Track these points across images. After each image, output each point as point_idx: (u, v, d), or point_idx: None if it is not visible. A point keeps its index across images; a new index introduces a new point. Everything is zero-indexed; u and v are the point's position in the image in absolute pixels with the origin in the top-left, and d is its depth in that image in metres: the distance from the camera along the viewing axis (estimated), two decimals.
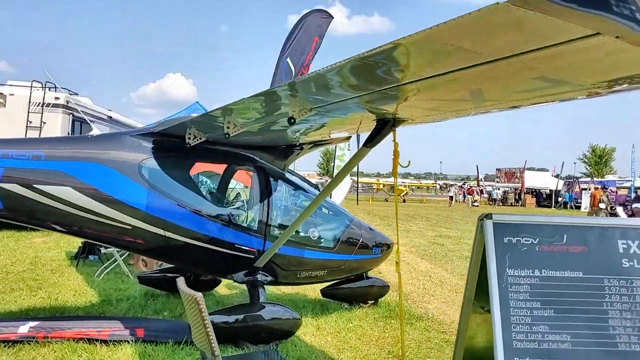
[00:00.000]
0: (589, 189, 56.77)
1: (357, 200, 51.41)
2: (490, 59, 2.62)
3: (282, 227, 7.33)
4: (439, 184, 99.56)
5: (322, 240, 7.59)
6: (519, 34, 2.28)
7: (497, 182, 75.48)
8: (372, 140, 4.99)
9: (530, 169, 70.64)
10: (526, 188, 66.11)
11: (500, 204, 63.13)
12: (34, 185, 6.22)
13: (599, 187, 44.57)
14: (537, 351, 3.04)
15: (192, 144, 6.68)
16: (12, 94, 17.34)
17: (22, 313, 7.64)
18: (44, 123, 17.13)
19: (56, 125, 17.39)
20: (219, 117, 5.57)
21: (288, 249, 7.05)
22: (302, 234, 7.36)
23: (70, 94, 18.49)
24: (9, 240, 15.12)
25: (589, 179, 60.88)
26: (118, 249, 10.47)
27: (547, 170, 78.52)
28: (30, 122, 17.07)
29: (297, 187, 7.90)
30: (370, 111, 4.60)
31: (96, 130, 7.30)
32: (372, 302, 8.75)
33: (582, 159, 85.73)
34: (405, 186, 73.97)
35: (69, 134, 17.84)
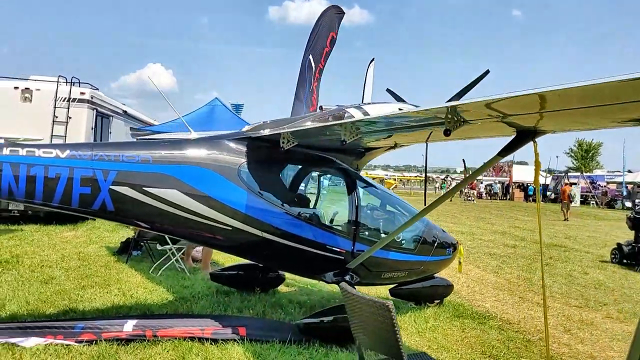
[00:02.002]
0: (579, 184, 57.98)
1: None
2: None
3: (370, 228, 7.60)
4: (433, 177, 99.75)
5: (404, 242, 7.86)
6: None
7: (485, 175, 76.05)
8: (508, 150, 5.23)
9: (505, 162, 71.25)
10: (514, 182, 66.74)
11: (491, 197, 63.67)
12: (144, 188, 6.41)
13: (569, 183, 46.00)
14: None
15: (285, 148, 6.87)
16: (39, 89, 17.36)
17: (113, 311, 7.82)
18: (70, 118, 17.19)
19: (82, 120, 17.48)
20: (344, 126, 5.80)
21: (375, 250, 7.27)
22: (384, 235, 7.62)
23: (92, 89, 18.49)
24: (40, 234, 15.17)
25: (578, 174, 61.72)
26: (175, 246, 10.70)
27: (527, 164, 79.21)
28: (57, 117, 17.13)
29: (378, 188, 8.17)
30: (511, 125, 4.85)
31: (194, 134, 7.46)
32: (438, 301, 9.03)
33: (568, 153, 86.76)
34: (394, 179, 74.45)
35: (92, 129, 17.93)
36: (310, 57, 15.27)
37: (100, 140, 18.49)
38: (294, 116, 14.84)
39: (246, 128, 7.70)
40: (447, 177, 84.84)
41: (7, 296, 8.19)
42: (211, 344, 6.48)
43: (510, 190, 65.68)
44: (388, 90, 9.28)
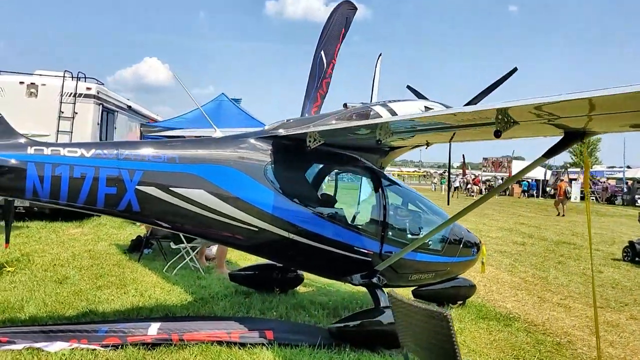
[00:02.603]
0: (578, 179, 57.96)
1: None
2: None
3: (398, 229, 7.43)
4: (431, 172, 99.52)
5: (431, 242, 7.69)
6: None
7: (484, 170, 75.92)
8: (555, 151, 5.10)
9: (506, 156, 71.08)
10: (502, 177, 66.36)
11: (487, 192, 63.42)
12: (170, 188, 6.25)
13: (563, 179, 46.36)
14: None
15: (311, 147, 6.70)
16: (44, 84, 17.12)
17: (134, 312, 7.65)
18: (76, 113, 16.97)
19: (88, 115, 17.29)
20: (380, 125, 5.66)
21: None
22: (413, 236, 7.47)
23: (98, 84, 18.26)
24: (47, 231, 15.00)
25: (578, 169, 61.50)
26: (190, 245, 10.54)
27: (524, 159, 79.11)
28: (63, 113, 16.91)
29: (404, 187, 8.03)
30: (559, 126, 4.71)
31: (219, 132, 7.29)
32: (461, 302, 8.89)
33: (567, 150, 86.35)
34: (392, 175, 74.26)
35: (98, 124, 17.73)
36: (322, 53, 15.10)
37: (106, 136, 18.31)
38: (303, 112, 14.74)
39: (269, 126, 7.54)
40: (444, 172, 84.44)
41: (24, 297, 8.01)
42: (239, 348, 6.31)
43: (510, 186, 65.34)
44: (409, 87, 9.12)
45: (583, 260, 15.18)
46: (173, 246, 10.77)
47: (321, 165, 7.59)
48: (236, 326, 6.79)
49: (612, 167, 65.19)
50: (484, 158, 77.55)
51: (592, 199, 56.48)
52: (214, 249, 11.83)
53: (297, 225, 6.75)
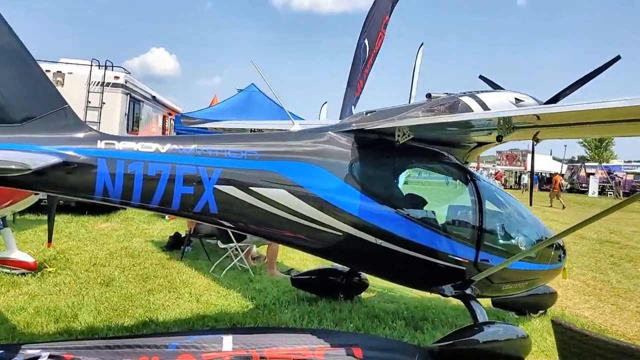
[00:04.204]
0: (596, 174, 57.24)
1: None
2: None
3: (496, 235, 6.69)
4: None
5: (527, 249, 6.97)
6: None
7: (498, 164, 75.15)
8: None
9: (514, 149, 70.47)
10: (528, 171, 65.68)
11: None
12: (250, 188, 5.54)
13: (557, 173, 46.62)
14: None
15: (400, 142, 5.99)
16: (71, 73, 16.46)
17: (199, 322, 6.97)
18: (104, 103, 16.31)
19: (116, 106, 16.64)
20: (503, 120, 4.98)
21: (500, 260, 6.40)
22: (512, 242, 6.76)
23: (126, 73, 17.57)
24: (75, 226, 14.34)
25: (596, 164, 60.70)
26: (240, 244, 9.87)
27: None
28: (90, 102, 16.26)
29: (495, 188, 7.34)
30: None
31: (297, 125, 6.58)
32: (542, 312, 8.20)
33: (582, 143, 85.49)
34: None
35: (126, 115, 17.07)
36: (366, 41, 14.51)
37: (132, 128, 17.66)
38: (345, 101, 14.13)
39: (347, 120, 6.86)
40: None
41: (74, 303, 7.35)
42: None
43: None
44: (481, 77, 8.40)
45: (639, 262, 14.46)
46: (221, 245, 10.07)
47: (411, 163, 6.82)
48: (317, 341, 6.09)
49: (629, 161, 64.35)
50: (497, 151, 76.69)
51: (610, 194, 55.66)
52: (255, 247, 11.18)
53: (386, 230, 6.03)
